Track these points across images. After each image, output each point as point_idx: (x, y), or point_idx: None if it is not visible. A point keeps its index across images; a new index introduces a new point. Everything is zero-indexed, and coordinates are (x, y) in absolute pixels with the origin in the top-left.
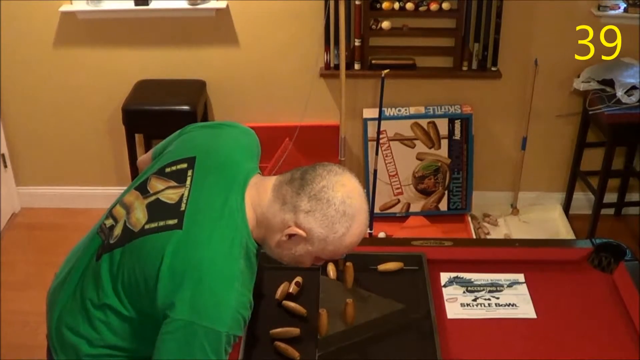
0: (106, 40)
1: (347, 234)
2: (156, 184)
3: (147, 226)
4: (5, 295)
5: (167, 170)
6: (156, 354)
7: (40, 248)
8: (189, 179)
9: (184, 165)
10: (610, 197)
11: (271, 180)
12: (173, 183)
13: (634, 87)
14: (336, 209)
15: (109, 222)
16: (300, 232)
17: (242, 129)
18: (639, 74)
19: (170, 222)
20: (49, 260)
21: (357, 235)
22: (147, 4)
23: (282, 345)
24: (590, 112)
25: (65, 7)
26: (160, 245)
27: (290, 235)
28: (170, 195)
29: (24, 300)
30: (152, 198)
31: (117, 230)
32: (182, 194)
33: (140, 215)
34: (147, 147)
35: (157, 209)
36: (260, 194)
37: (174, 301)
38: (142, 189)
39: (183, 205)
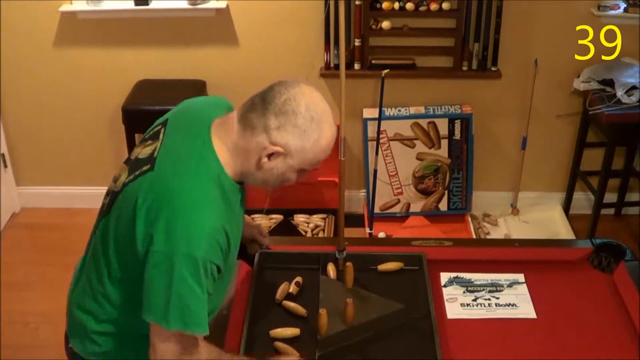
0: (106, 40)
1: (320, 138)
2: (136, 150)
3: (126, 180)
4: (5, 295)
5: (146, 136)
6: (144, 292)
7: (40, 248)
8: (161, 134)
9: (159, 127)
10: (610, 197)
11: (234, 114)
12: (149, 142)
13: (634, 87)
14: (303, 116)
15: (105, 200)
16: (278, 148)
17: (213, 96)
18: (639, 74)
19: (144, 168)
20: (49, 260)
21: (330, 138)
22: (147, 4)
23: (282, 345)
24: (590, 112)
25: (65, 7)
26: (135, 189)
27: (269, 156)
28: (146, 151)
29: (24, 300)
30: (132, 159)
31: (107, 200)
32: (156, 147)
33: (123, 177)
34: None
35: (135, 165)
36: (227, 128)
37: (152, 234)
38: (127, 160)
39: (155, 153)
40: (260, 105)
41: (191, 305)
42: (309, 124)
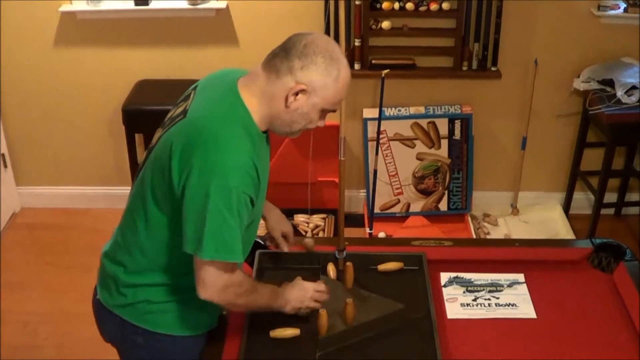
0: (106, 40)
1: (339, 75)
2: (170, 113)
3: (161, 134)
4: (5, 295)
5: (178, 101)
6: (182, 226)
7: (40, 248)
8: (192, 95)
9: (190, 92)
10: (610, 197)
11: (258, 66)
12: (181, 104)
13: (634, 87)
14: (323, 55)
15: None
16: (303, 86)
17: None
18: (639, 74)
19: (178, 119)
20: (49, 260)
21: (347, 76)
22: (147, 4)
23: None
24: (590, 112)
25: (65, 7)
26: (170, 135)
27: (296, 94)
28: (178, 110)
29: (24, 300)
30: (167, 120)
31: (143, 158)
32: (187, 104)
33: (158, 134)
34: (147, 148)
35: (169, 123)
36: (253, 78)
37: (187, 170)
38: (162, 123)
39: (187, 108)
40: (283, 52)
41: (225, 235)
42: (329, 62)
